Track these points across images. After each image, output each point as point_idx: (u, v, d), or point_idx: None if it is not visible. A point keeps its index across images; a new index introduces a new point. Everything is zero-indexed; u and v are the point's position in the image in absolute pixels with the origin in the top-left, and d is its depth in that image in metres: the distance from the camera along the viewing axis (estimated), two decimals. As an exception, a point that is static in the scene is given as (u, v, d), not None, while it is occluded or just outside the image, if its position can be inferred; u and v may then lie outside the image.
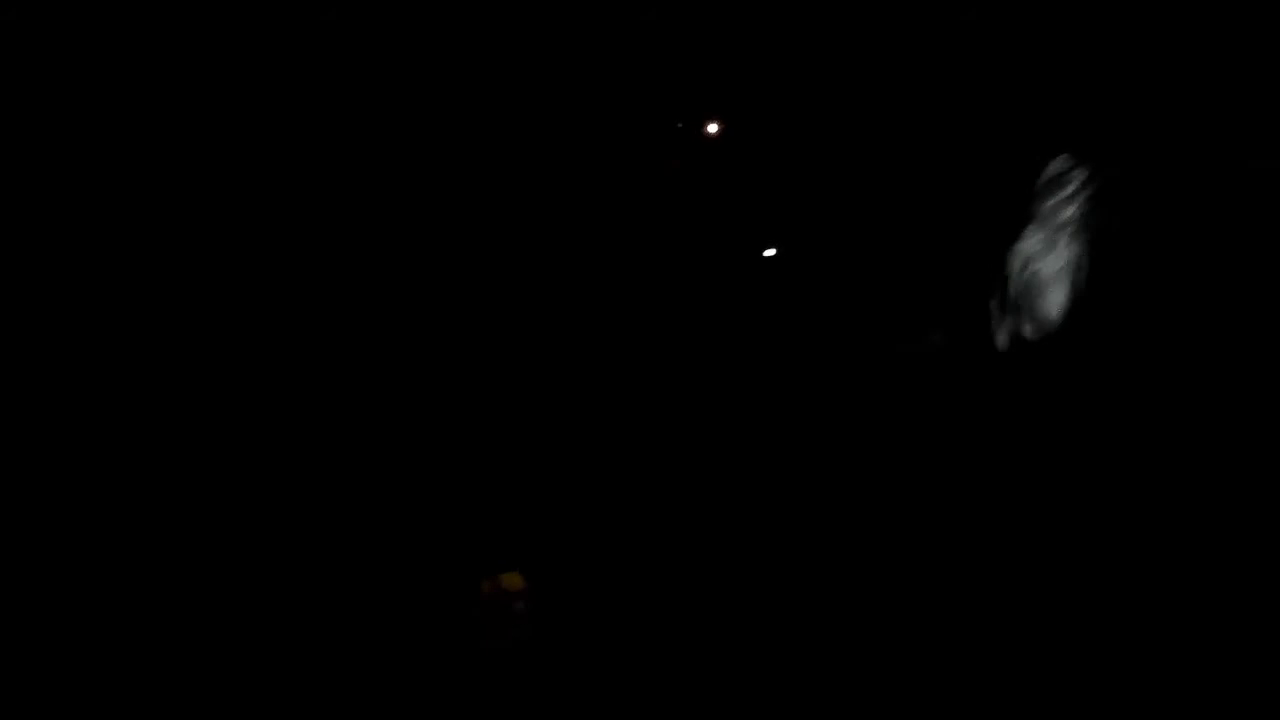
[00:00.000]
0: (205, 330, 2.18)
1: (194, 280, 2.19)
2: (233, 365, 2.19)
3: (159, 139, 2.16)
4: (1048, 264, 2.28)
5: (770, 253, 2.46)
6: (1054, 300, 2.27)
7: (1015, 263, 2.28)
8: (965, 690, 2.20)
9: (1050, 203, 2.28)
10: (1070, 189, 2.29)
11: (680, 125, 2.38)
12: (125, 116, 2.15)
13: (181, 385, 2.18)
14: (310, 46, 2.14)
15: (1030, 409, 2.29)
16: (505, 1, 2.27)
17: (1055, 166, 2.30)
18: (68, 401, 2.15)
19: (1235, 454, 2.10)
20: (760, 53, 2.40)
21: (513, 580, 2.36)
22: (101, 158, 2.15)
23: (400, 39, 2.23)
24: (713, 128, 2.39)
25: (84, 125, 2.13)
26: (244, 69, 2.15)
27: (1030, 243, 2.28)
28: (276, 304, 2.23)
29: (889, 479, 2.37)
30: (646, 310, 2.42)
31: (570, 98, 2.38)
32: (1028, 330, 2.30)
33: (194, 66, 2.14)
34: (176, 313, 2.18)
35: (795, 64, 2.40)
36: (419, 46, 2.24)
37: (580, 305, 2.40)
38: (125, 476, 2.16)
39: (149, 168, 2.16)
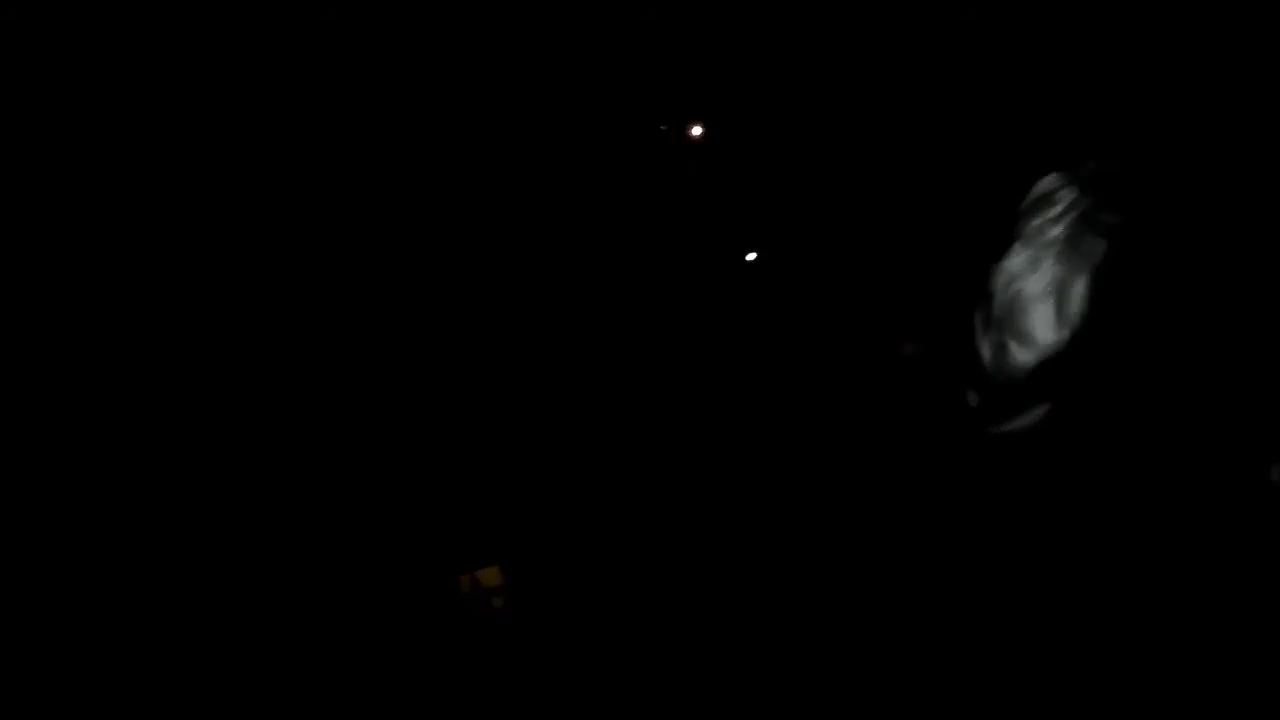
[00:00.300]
0: (191, 328, 2.23)
1: (192, 280, 2.24)
2: (210, 362, 2.24)
3: (159, 139, 2.21)
4: (1032, 282, 2.29)
5: (752, 256, 2.48)
6: (1037, 318, 2.28)
7: (1000, 280, 2.29)
8: (956, 690, 2.21)
9: (1037, 221, 2.29)
10: (1057, 209, 2.29)
11: (666, 128, 2.40)
12: (126, 116, 2.20)
13: (163, 383, 2.23)
14: (310, 46, 2.18)
15: (1010, 426, 2.30)
16: (505, 1, 2.30)
17: (1043, 185, 2.30)
18: (65, 401, 2.21)
19: (1217, 475, 2.10)
20: (754, 57, 2.41)
21: (490, 576, 2.40)
22: (102, 158, 2.20)
23: (400, 39, 2.26)
24: (697, 130, 2.41)
25: (84, 125, 2.18)
26: (244, 69, 2.19)
27: (1016, 261, 2.29)
28: (264, 302, 2.28)
29: (864, 483, 2.39)
30: (627, 308, 2.45)
31: (569, 98, 2.40)
32: (1011, 347, 2.30)
33: (194, 66, 2.19)
34: (173, 312, 2.23)
35: (788, 71, 2.41)
36: (418, 46, 2.28)
37: (563, 302, 2.43)
38: (113, 472, 2.21)
39: (149, 168, 2.21)
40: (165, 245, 2.21)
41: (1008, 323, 2.27)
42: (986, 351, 2.30)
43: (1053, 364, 2.25)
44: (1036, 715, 2.15)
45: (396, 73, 2.23)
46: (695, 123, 2.35)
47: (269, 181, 2.23)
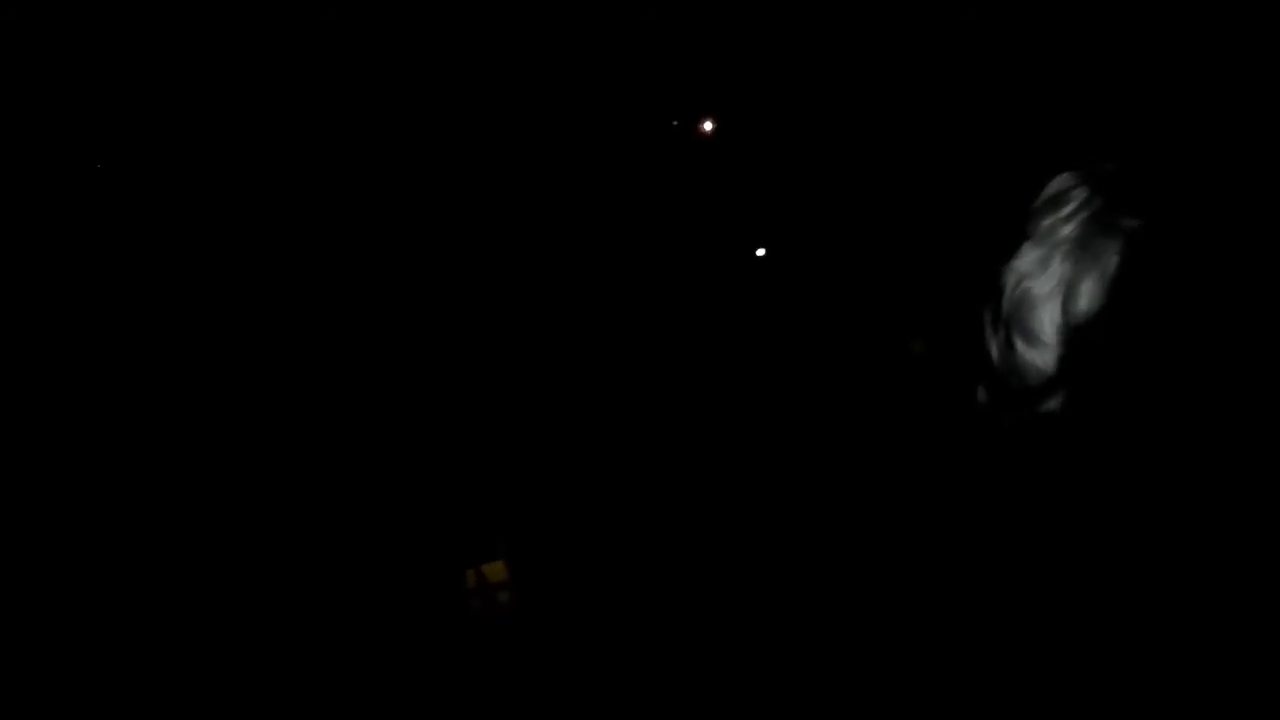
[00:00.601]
0: (205, 329, 2.23)
1: (194, 280, 2.23)
2: (225, 362, 2.24)
3: (159, 139, 2.19)
4: (1040, 282, 2.27)
5: (761, 253, 2.47)
6: (1044, 317, 2.26)
7: (1009, 279, 2.27)
8: (957, 690, 2.22)
9: (1048, 221, 2.26)
10: (1069, 208, 2.26)
11: (676, 123, 2.38)
12: (126, 116, 2.18)
13: (179, 383, 2.23)
14: (310, 46, 2.16)
15: (1018, 424, 2.29)
16: (506, 1, 2.27)
17: (1056, 184, 2.28)
18: (68, 402, 2.22)
19: (1223, 477, 2.10)
20: (759, 56, 2.38)
21: (496, 571, 2.41)
22: (102, 158, 2.19)
23: (400, 39, 2.24)
24: (708, 126, 2.39)
25: (84, 125, 2.17)
26: (244, 69, 2.17)
27: (1025, 260, 2.27)
28: (272, 301, 2.27)
29: (872, 477, 2.39)
30: (634, 304, 2.44)
31: (570, 97, 2.38)
32: (1019, 345, 2.29)
33: (194, 66, 2.16)
34: (176, 313, 2.23)
35: (794, 68, 2.38)
36: (419, 46, 2.25)
37: (569, 300, 2.42)
38: (125, 473, 2.22)
39: (149, 167, 2.20)
40: (165, 245, 2.20)
41: (1015, 321, 2.26)
42: (994, 350, 2.29)
43: (1059, 363, 2.23)
44: (1040, 715, 2.17)
45: (396, 73, 2.20)
46: (706, 119, 2.32)
47: (269, 181, 2.22)
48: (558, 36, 2.22)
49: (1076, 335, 2.21)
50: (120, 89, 2.14)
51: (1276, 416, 2.08)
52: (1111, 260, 2.24)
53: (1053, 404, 2.24)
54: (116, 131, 2.16)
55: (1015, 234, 2.26)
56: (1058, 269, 2.27)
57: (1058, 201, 2.29)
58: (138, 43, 2.12)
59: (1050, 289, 2.26)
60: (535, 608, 2.42)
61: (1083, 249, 2.27)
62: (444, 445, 2.37)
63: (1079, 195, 2.29)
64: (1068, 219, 2.28)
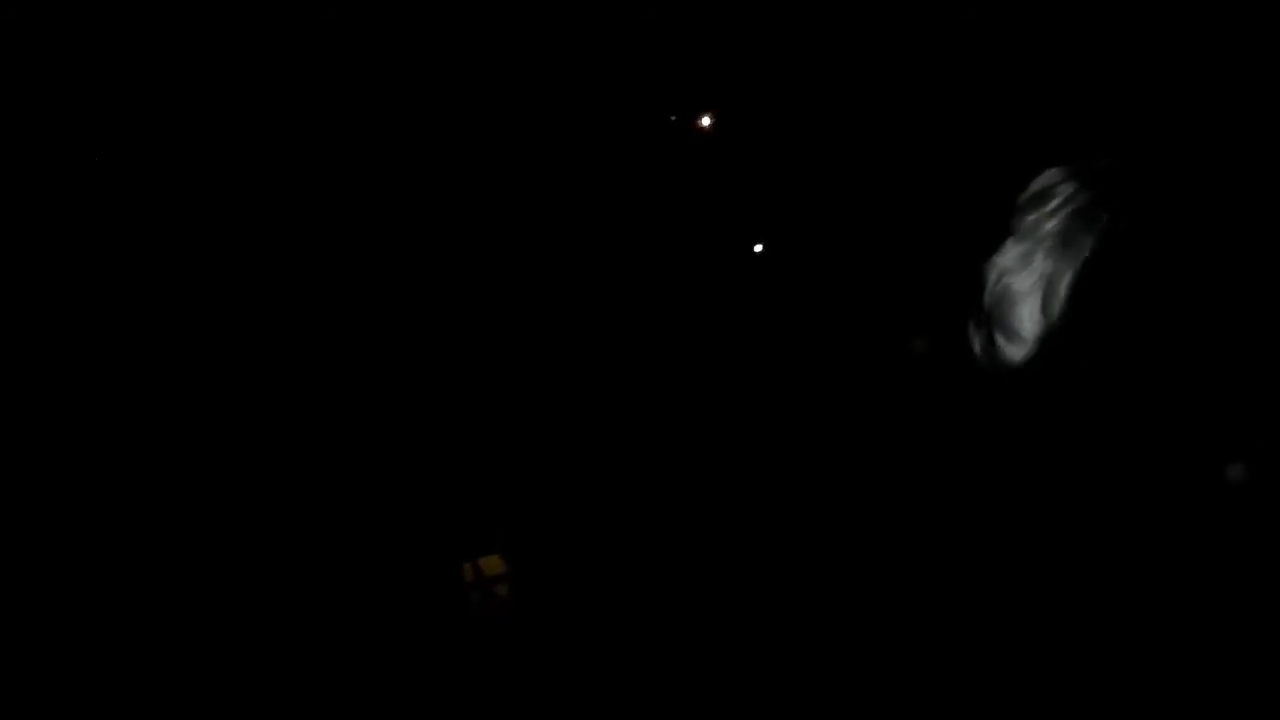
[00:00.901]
0: (202, 328, 2.25)
1: (194, 280, 2.25)
2: (222, 358, 2.26)
3: (159, 139, 2.21)
4: (1021, 278, 2.31)
5: (758, 248, 2.49)
6: (1023, 313, 2.30)
7: (991, 275, 2.31)
8: (959, 690, 2.25)
9: (1032, 217, 2.30)
10: (1053, 204, 2.31)
11: (674, 119, 2.40)
12: (126, 117, 2.20)
13: (177, 379, 2.25)
14: (310, 46, 2.18)
15: (1005, 418, 2.33)
16: (506, 1, 2.29)
17: (1041, 181, 2.32)
18: (68, 402, 2.23)
19: (1194, 472, 2.14)
20: (755, 55, 2.41)
21: (493, 565, 2.44)
22: (102, 158, 2.20)
23: (400, 39, 2.26)
24: (706, 121, 2.42)
25: (84, 125, 2.18)
26: (244, 69, 2.19)
27: (1008, 256, 2.31)
28: (270, 298, 2.29)
29: (870, 479, 2.42)
30: (631, 299, 2.47)
31: (570, 97, 2.41)
32: (999, 341, 2.33)
33: (194, 66, 2.18)
34: (176, 312, 2.24)
35: (791, 66, 2.41)
36: (419, 46, 2.27)
37: (566, 295, 2.45)
38: (113, 472, 2.23)
39: (149, 168, 2.21)
40: (165, 245, 2.22)
41: (996, 317, 2.30)
42: (976, 345, 2.33)
43: (1037, 360, 2.27)
44: (1037, 714, 2.20)
45: (397, 73, 2.23)
46: (701, 115, 2.36)
47: (269, 181, 2.24)
48: (558, 35, 2.25)
49: (1055, 332, 2.26)
50: (120, 89, 2.15)
51: (1253, 409, 2.13)
52: (1091, 256, 2.29)
53: (1034, 398, 2.28)
54: (116, 131, 2.17)
55: (1000, 230, 2.31)
56: (1039, 265, 2.31)
57: (1043, 197, 2.33)
58: (138, 43, 2.14)
59: (1031, 285, 2.31)
60: (534, 602, 2.45)
61: (1065, 245, 2.31)
62: (441, 438, 2.39)
63: (1064, 191, 2.33)
64: (1051, 214, 2.32)
